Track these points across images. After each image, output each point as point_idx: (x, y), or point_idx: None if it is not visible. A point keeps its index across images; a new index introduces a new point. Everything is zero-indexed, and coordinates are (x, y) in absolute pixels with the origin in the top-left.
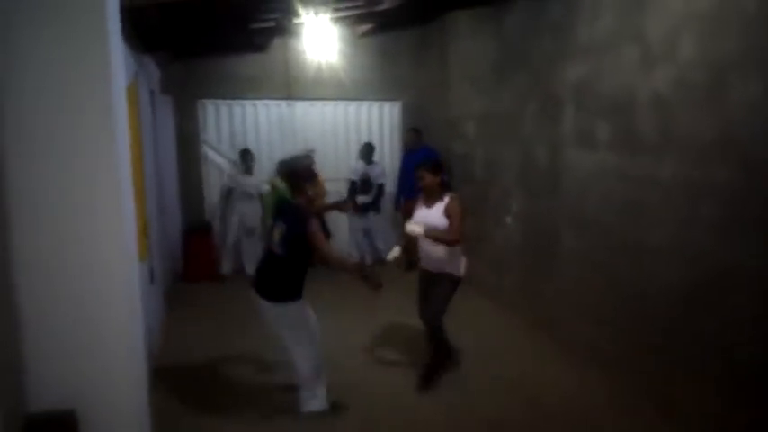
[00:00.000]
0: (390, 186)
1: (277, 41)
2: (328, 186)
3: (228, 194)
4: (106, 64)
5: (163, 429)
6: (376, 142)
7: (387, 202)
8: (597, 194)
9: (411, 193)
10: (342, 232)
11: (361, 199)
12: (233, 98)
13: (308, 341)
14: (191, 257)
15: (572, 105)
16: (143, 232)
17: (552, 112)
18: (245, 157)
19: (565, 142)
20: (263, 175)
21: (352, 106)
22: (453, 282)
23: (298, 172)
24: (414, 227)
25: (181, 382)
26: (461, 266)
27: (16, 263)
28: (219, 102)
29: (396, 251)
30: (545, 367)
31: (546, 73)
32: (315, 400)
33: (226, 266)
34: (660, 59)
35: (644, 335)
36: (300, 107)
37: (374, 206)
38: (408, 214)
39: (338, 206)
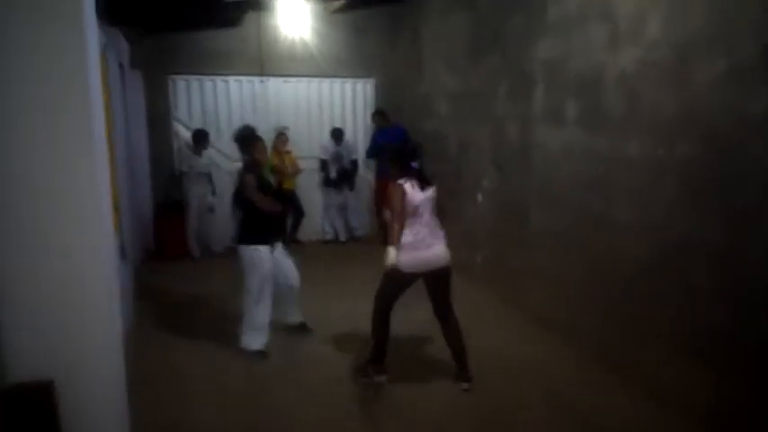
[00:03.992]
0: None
1: (250, 16)
2: (302, 164)
3: (181, 177)
4: (80, 34)
5: (134, 394)
6: (348, 120)
7: (362, 183)
8: (566, 171)
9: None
10: (316, 209)
11: (335, 168)
12: (205, 74)
13: (255, 290)
14: (162, 235)
15: (542, 84)
16: (113, 208)
17: (523, 90)
18: (199, 138)
19: (535, 120)
20: (236, 153)
21: (325, 83)
22: (391, 274)
23: (239, 138)
24: (391, 254)
25: (151, 353)
26: (407, 263)
27: None
28: (191, 77)
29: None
30: (516, 341)
31: (518, 51)
32: (247, 338)
33: (194, 249)
34: (627, 38)
35: (612, 307)
36: (273, 84)
37: (348, 182)
38: (380, 196)
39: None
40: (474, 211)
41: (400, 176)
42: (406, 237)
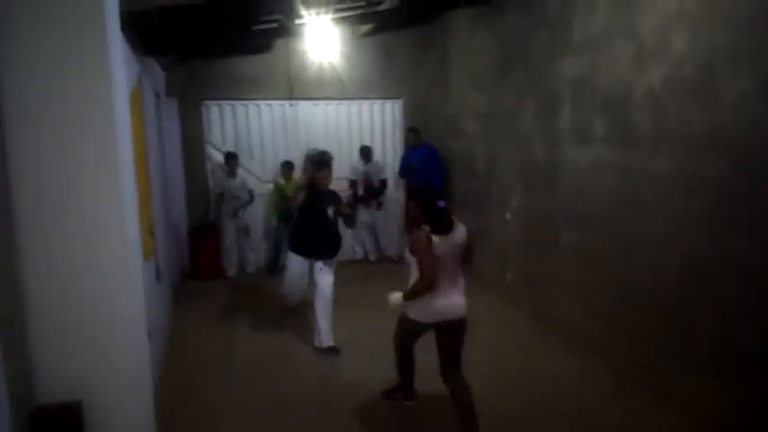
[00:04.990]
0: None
1: (279, 42)
2: (332, 185)
3: (220, 199)
4: (106, 67)
5: (165, 414)
6: (377, 140)
7: (392, 202)
8: (594, 189)
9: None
10: (346, 229)
11: (362, 186)
12: (237, 99)
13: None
14: (197, 256)
15: (569, 102)
16: (149, 232)
17: (550, 108)
18: (230, 160)
19: (562, 138)
20: (268, 175)
21: (353, 105)
22: (402, 319)
23: (313, 159)
24: (394, 298)
25: (185, 378)
26: (416, 311)
27: (23, 263)
28: (224, 103)
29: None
30: (546, 359)
31: (544, 70)
32: (318, 338)
33: (230, 268)
34: (653, 55)
35: (642, 325)
36: (303, 107)
37: (377, 201)
38: (410, 218)
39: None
40: (503, 229)
41: (425, 218)
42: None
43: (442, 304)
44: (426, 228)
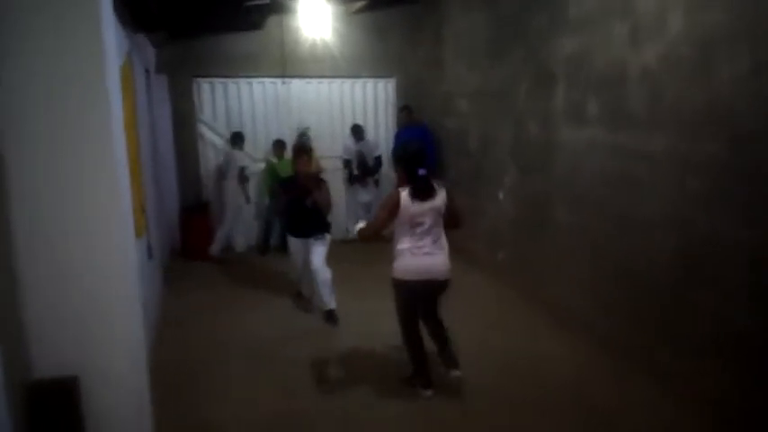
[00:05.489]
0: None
1: (272, 19)
2: (324, 163)
3: (242, 173)
4: (99, 43)
5: (160, 392)
6: (370, 119)
7: (387, 180)
8: (589, 168)
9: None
10: (340, 206)
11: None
12: (229, 76)
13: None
14: (188, 235)
15: (564, 81)
16: (140, 209)
17: (545, 87)
18: (236, 139)
19: (557, 117)
20: (260, 153)
21: (346, 83)
22: (393, 286)
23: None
24: (358, 226)
25: (176, 356)
26: (397, 270)
27: (17, 238)
28: (215, 80)
29: (361, 224)
30: (539, 340)
31: (539, 49)
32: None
33: (215, 248)
34: (649, 34)
35: (636, 307)
36: (296, 85)
37: (373, 179)
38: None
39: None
40: (496, 209)
41: (405, 182)
42: (403, 244)
43: (421, 262)
44: (405, 190)
